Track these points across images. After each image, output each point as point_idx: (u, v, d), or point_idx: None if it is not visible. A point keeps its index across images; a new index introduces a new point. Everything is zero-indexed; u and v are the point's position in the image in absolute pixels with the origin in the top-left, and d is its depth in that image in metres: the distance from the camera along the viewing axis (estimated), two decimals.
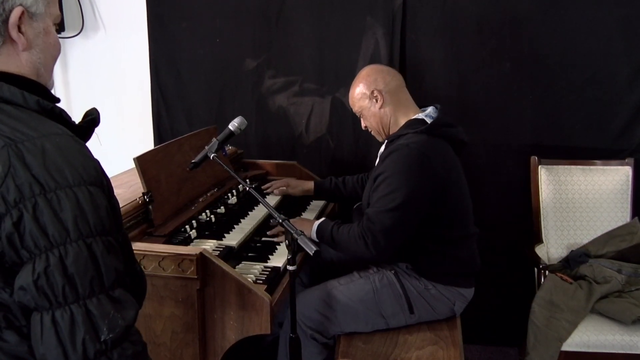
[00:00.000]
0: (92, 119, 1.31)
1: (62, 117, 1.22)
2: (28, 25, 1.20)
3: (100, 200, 1.14)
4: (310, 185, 3.01)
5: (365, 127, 2.60)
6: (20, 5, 1.17)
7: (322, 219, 2.47)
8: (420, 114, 2.46)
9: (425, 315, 2.44)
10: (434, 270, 2.43)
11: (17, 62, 1.21)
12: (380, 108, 2.48)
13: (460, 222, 2.45)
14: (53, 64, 1.30)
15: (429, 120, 2.41)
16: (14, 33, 1.18)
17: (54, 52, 1.29)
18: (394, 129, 2.50)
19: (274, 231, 2.52)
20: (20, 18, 1.17)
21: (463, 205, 2.47)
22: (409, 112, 2.49)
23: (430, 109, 2.49)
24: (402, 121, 2.48)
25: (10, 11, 1.16)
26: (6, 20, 1.17)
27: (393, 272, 2.44)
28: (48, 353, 1.08)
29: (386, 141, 2.53)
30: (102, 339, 1.09)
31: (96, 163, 1.18)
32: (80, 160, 1.13)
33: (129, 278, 1.27)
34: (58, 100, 1.26)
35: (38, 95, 1.18)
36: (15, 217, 1.05)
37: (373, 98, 2.48)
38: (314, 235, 2.42)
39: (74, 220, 1.08)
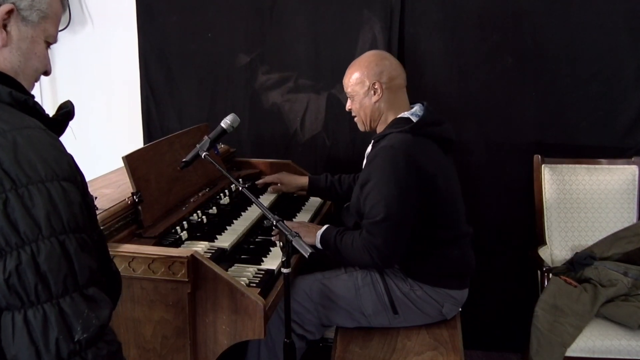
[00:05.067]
0: (66, 111, 1.32)
1: (36, 110, 1.22)
2: (15, 25, 1.23)
3: (73, 196, 1.14)
4: (304, 181, 3.01)
5: (350, 109, 2.58)
6: (13, 3, 1.21)
7: (325, 226, 2.48)
8: (406, 113, 2.46)
9: (411, 317, 2.46)
10: (421, 271, 2.45)
11: None
12: (375, 102, 2.47)
13: (450, 223, 2.47)
14: (33, 76, 1.31)
15: (414, 119, 2.42)
16: None
17: (37, 64, 1.30)
18: (381, 127, 2.51)
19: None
20: (8, 15, 1.21)
21: (453, 205, 2.48)
22: (400, 111, 2.49)
23: (417, 107, 2.49)
24: (390, 119, 2.49)
25: (0, 5, 1.19)
26: None
27: (379, 271, 2.46)
28: (20, 354, 1.08)
29: (372, 141, 2.54)
30: (76, 339, 1.09)
31: (70, 158, 1.19)
32: (53, 155, 1.14)
33: (104, 278, 1.28)
34: (33, 96, 1.27)
35: (11, 88, 1.19)
36: None
37: (371, 90, 2.45)
38: (318, 245, 2.44)
39: (47, 217, 1.08)
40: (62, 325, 1.08)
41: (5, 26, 1.21)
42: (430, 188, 2.33)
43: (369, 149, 2.58)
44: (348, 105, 2.57)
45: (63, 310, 1.09)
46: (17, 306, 1.07)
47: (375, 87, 2.44)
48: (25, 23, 1.24)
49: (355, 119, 2.58)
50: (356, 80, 2.48)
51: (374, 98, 2.46)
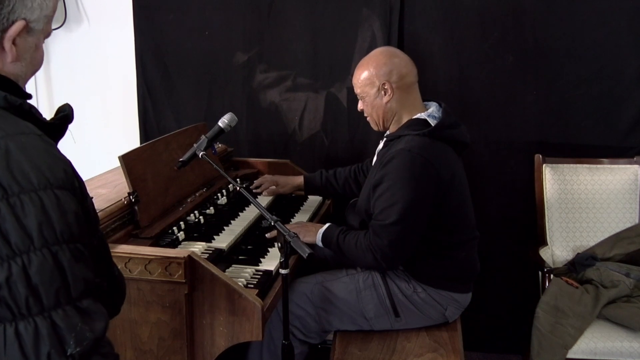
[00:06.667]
0: (64, 115, 1.30)
1: (32, 114, 1.20)
2: (23, 39, 1.21)
3: (68, 205, 1.11)
4: (299, 181, 3.01)
5: (362, 110, 2.54)
6: (24, 19, 1.19)
7: (327, 225, 2.48)
8: (422, 114, 2.43)
9: (413, 319, 2.46)
10: (426, 273, 2.45)
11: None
12: (387, 102, 2.43)
13: (459, 227, 2.47)
14: (30, 77, 1.31)
15: (431, 121, 2.40)
16: (7, 45, 1.18)
17: (37, 67, 1.30)
18: (394, 127, 2.49)
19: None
20: (20, 32, 1.19)
21: (463, 210, 2.48)
22: (414, 110, 2.46)
23: (433, 108, 2.47)
24: (405, 119, 2.46)
25: (13, 22, 1.17)
26: (5, 30, 1.17)
27: (381, 273, 2.46)
28: None
29: (385, 139, 2.53)
30: (68, 353, 1.07)
31: (66, 164, 1.16)
32: (47, 162, 1.11)
33: (106, 282, 1.26)
34: (29, 96, 1.26)
35: (7, 91, 1.17)
36: None
37: (382, 90, 2.42)
38: (319, 243, 2.44)
39: (39, 227, 1.06)
40: (54, 338, 1.06)
41: (14, 41, 1.19)
42: (445, 194, 2.33)
43: (380, 146, 2.57)
44: (359, 106, 2.55)
45: (55, 323, 1.06)
46: (8, 319, 1.05)
47: (386, 87, 2.41)
48: (31, 34, 1.22)
49: (368, 119, 2.55)
50: (365, 80, 2.44)
51: (385, 98, 2.43)
